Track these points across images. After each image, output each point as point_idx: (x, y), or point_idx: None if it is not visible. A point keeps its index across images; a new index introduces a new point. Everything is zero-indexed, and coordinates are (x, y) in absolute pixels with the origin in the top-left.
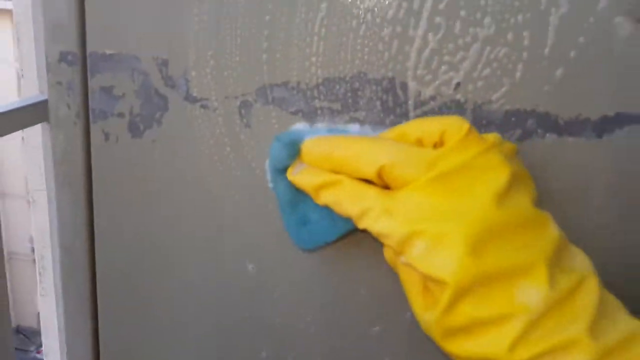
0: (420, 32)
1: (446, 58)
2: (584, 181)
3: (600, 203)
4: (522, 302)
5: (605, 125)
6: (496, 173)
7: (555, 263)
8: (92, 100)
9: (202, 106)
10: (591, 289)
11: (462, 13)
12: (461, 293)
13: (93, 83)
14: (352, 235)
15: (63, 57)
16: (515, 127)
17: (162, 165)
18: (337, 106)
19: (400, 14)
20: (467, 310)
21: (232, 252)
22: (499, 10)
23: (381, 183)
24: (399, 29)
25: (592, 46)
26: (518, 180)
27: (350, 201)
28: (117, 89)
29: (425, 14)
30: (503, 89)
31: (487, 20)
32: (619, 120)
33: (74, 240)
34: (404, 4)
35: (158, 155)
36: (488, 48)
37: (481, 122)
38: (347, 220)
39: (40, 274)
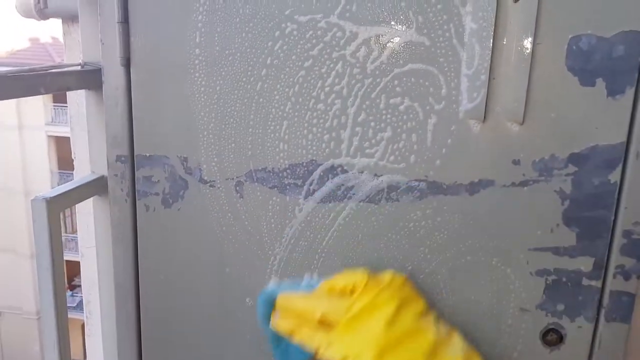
0: (347, 135)
1: (366, 151)
2: (462, 225)
3: (474, 240)
4: None
5: (473, 187)
6: (386, 307)
7: (433, 354)
8: (137, 185)
9: (211, 186)
10: None
11: (372, 124)
12: None
13: (138, 174)
14: None
15: (118, 158)
16: (414, 190)
17: (185, 227)
18: (299, 182)
19: (334, 124)
20: None
21: (234, 289)
22: (395, 120)
23: (326, 326)
24: (334, 134)
25: (456, 140)
26: (406, 304)
27: (309, 342)
28: (154, 177)
29: (349, 125)
30: (403, 167)
31: (388, 128)
32: (482, 184)
33: (125, 279)
34: (335, 120)
35: (182, 220)
36: (390, 145)
37: (393, 187)
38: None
39: (87, 317)
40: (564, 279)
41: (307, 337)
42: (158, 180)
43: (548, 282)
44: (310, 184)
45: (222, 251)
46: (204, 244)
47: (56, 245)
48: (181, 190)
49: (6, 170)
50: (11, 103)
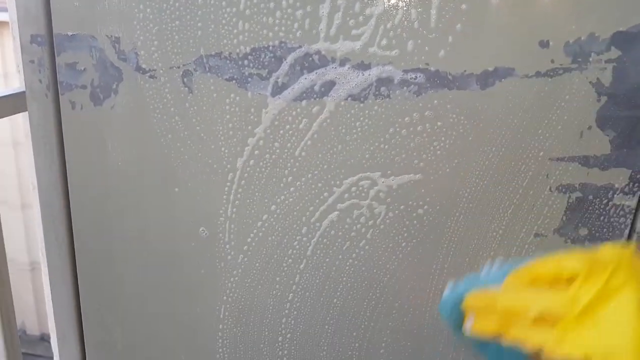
0: (326, 11)
1: (351, 32)
2: (468, 129)
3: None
4: None
5: (487, 78)
6: (626, 292)
7: None
8: (60, 75)
9: (151, 76)
10: None
11: None
12: None
13: (59, 60)
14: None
15: (33, 39)
16: (410, 84)
17: (120, 128)
18: (264, 72)
19: None
20: None
21: (185, 215)
22: None
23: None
24: (309, 8)
25: (468, 15)
26: None
27: (526, 341)
28: (79, 64)
29: None
30: (397, 54)
31: (379, 0)
32: (497, 74)
33: (51, 197)
34: None
35: (116, 120)
36: (382, 25)
37: (384, 80)
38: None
39: (42, 254)
40: (590, 197)
41: (521, 336)
42: (84, 69)
43: (571, 200)
44: (278, 77)
45: (168, 164)
46: (146, 155)
47: None
48: (114, 82)
49: None
50: None
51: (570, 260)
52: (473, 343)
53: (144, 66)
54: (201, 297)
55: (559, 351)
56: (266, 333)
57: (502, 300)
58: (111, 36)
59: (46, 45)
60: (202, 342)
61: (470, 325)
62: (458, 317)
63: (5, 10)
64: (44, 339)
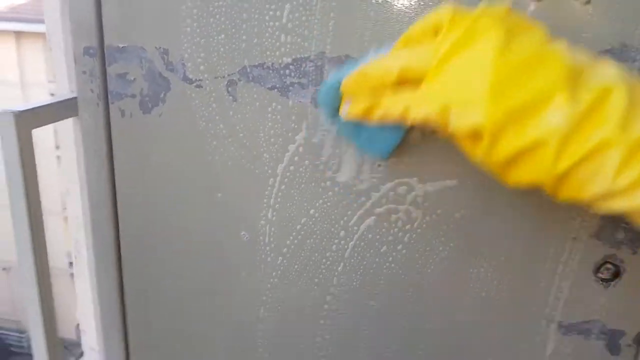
0: (360, 23)
1: (389, 39)
2: None
3: None
4: (551, 124)
5: None
6: (489, 33)
7: (575, 84)
8: (110, 85)
9: (197, 86)
10: (617, 96)
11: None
12: (497, 130)
13: (110, 70)
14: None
15: (86, 51)
16: None
17: (167, 136)
18: (304, 81)
19: None
20: (506, 144)
21: (227, 220)
22: None
23: (410, 86)
24: (345, 21)
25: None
26: (517, 30)
27: (392, 109)
28: (129, 74)
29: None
30: None
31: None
32: None
33: (100, 199)
34: None
35: (164, 128)
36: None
37: None
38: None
39: (75, 257)
40: None
41: (388, 106)
42: (134, 79)
43: None
44: (318, 84)
45: (212, 170)
46: (191, 161)
47: (29, 170)
48: (162, 91)
49: None
50: (13, 59)
51: (438, 14)
52: (351, 130)
53: (190, 76)
54: (242, 299)
55: (420, 111)
56: (305, 333)
57: (370, 70)
58: (160, 48)
59: (98, 57)
60: (242, 342)
61: (347, 109)
62: (337, 103)
63: (25, 21)
64: (64, 346)
